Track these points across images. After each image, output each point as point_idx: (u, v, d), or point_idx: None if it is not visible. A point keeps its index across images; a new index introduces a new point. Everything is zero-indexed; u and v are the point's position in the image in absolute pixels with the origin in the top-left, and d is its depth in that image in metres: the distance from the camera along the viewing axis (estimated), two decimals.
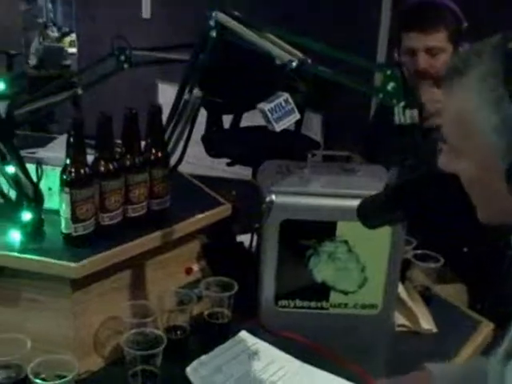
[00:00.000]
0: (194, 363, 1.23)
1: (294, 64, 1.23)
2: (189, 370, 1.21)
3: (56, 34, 6.76)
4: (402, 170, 1.06)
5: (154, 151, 1.35)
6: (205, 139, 3.06)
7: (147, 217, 1.36)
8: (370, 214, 1.09)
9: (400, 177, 1.06)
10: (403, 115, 1.06)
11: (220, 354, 1.27)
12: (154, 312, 1.27)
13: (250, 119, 3.07)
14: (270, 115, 1.34)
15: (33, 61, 5.91)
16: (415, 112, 1.06)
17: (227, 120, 3.29)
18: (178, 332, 1.30)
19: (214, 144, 3.06)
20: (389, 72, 1.07)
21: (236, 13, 1.32)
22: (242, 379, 1.21)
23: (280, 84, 1.56)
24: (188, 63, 1.42)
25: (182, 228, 1.38)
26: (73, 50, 5.71)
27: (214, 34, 1.33)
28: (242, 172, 3.02)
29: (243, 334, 1.34)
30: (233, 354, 1.27)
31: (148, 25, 4.16)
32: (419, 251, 1.52)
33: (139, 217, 1.34)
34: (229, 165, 2.98)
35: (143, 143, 1.35)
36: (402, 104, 1.06)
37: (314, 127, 3.20)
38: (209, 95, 2.92)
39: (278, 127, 1.36)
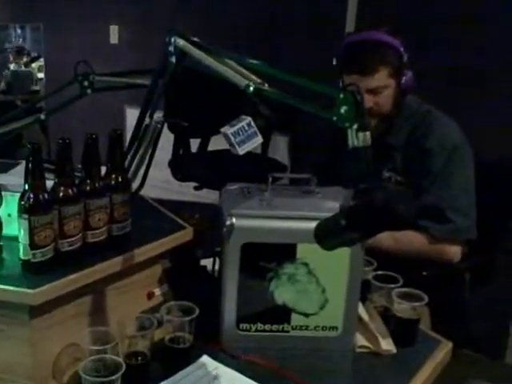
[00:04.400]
0: None
1: (251, 89, 1.25)
2: None
3: (25, 59, 6.73)
4: (356, 192, 1.08)
5: (114, 176, 1.35)
6: (172, 163, 3.07)
7: (107, 242, 1.36)
8: (326, 235, 1.11)
9: (354, 199, 1.08)
10: (356, 138, 1.08)
11: (180, 380, 1.26)
12: (114, 338, 1.25)
13: (218, 143, 3.09)
14: (232, 139, 1.35)
15: (1, 86, 5.87)
16: (368, 134, 1.08)
17: (195, 144, 3.30)
18: (139, 358, 1.29)
19: (181, 168, 3.06)
20: (341, 95, 1.09)
21: (195, 38, 1.34)
22: None
23: (245, 108, 1.58)
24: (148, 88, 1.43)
25: (142, 252, 1.38)
26: (41, 75, 5.69)
27: (173, 59, 1.35)
28: (211, 196, 3.02)
29: (204, 358, 1.33)
30: (193, 379, 1.27)
31: (116, 50, 4.17)
32: (380, 272, 1.54)
33: (99, 242, 1.34)
34: (196, 189, 2.98)
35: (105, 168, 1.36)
36: (355, 127, 1.08)
37: (281, 150, 3.23)
38: (173, 119, 2.94)
39: (241, 150, 1.38)
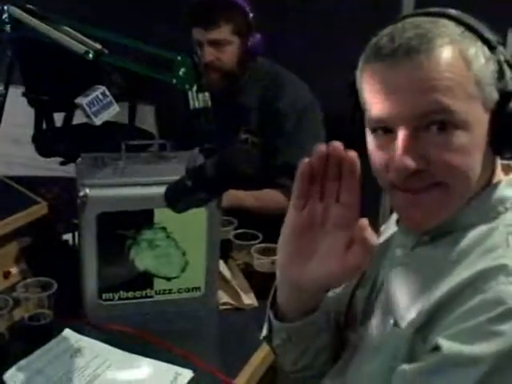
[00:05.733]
0: (13, 369, 1.19)
1: (91, 55, 1.22)
2: (7, 376, 1.17)
3: None
4: (201, 152, 1.10)
5: None
6: (35, 139, 2.95)
7: None
8: (176, 198, 1.11)
9: (199, 159, 1.09)
10: (197, 99, 1.09)
11: (41, 356, 1.24)
12: None
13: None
14: (88, 109, 1.33)
15: None
16: (207, 95, 1.09)
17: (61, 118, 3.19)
18: None
19: (45, 143, 2.95)
20: (179, 58, 1.09)
21: (30, 6, 1.29)
22: (63, 378, 1.18)
23: (99, 77, 1.54)
24: None
25: None
26: None
27: (8, 29, 1.29)
28: None
29: (66, 332, 1.31)
30: (54, 355, 1.24)
31: None
32: (240, 230, 1.57)
33: None
34: (62, 164, 2.89)
35: None
36: (195, 88, 1.09)
37: (148, 119, 3.19)
38: (32, 93, 2.82)
39: (98, 120, 1.35)
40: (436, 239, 0.84)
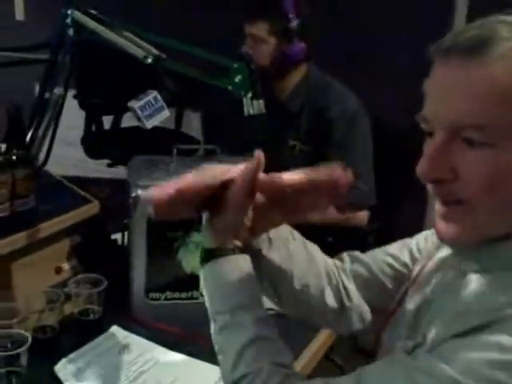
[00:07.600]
0: (63, 360, 1.23)
1: (149, 60, 1.26)
2: (57, 367, 1.21)
3: None
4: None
5: (15, 151, 1.33)
6: (84, 141, 3.02)
7: (11, 217, 1.34)
8: None
9: None
10: (251, 106, 1.12)
11: (90, 350, 1.27)
12: (20, 313, 1.25)
13: (132, 120, 3.04)
14: (140, 113, 1.37)
15: None
16: (262, 102, 1.12)
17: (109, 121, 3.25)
18: (48, 331, 1.29)
19: (94, 145, 3.02)
20: (235, 65, 1.12)
21: (92, 11, 1.34)
22: (111, 372, 1.22)
23: (151, 82, 1.58)
24: (47, 62, 1.42)
25: (47, 227, 1.37)
26: None
27: (71, 32, 1.34)
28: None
29: (114, 328, 1.35)
30: (103, 349, 1.28)
31: (22, 27, 4.01)
32: None
33: (2, 218, 1.33)
34: (109, 166, 2.95)
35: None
36: (250, 95, 1.11)
37: (195, 125, 3.24)
38: (84, 95, 2.88)
39: (149, 124, 1.39)
40: (486, 272, 0.75)
